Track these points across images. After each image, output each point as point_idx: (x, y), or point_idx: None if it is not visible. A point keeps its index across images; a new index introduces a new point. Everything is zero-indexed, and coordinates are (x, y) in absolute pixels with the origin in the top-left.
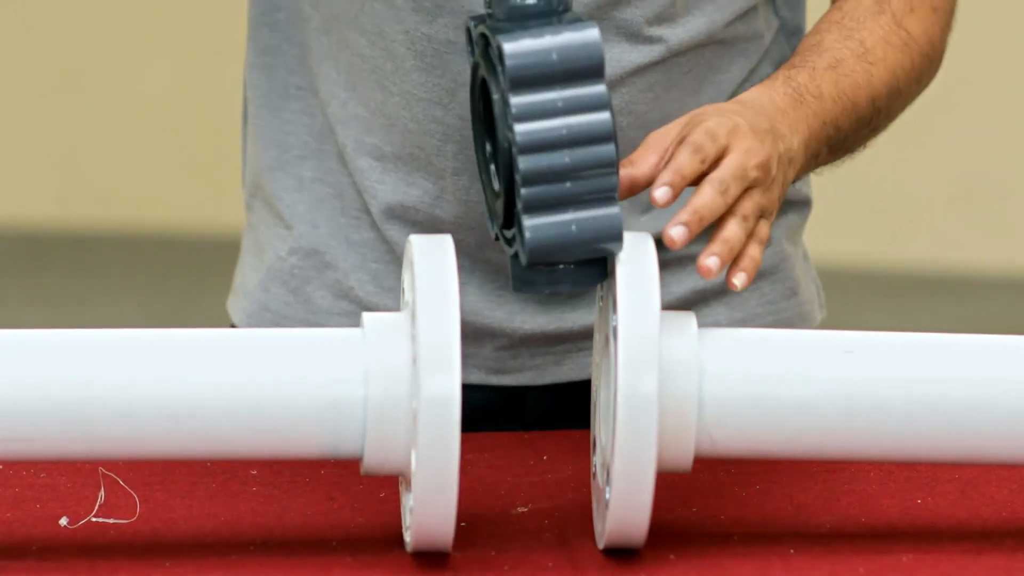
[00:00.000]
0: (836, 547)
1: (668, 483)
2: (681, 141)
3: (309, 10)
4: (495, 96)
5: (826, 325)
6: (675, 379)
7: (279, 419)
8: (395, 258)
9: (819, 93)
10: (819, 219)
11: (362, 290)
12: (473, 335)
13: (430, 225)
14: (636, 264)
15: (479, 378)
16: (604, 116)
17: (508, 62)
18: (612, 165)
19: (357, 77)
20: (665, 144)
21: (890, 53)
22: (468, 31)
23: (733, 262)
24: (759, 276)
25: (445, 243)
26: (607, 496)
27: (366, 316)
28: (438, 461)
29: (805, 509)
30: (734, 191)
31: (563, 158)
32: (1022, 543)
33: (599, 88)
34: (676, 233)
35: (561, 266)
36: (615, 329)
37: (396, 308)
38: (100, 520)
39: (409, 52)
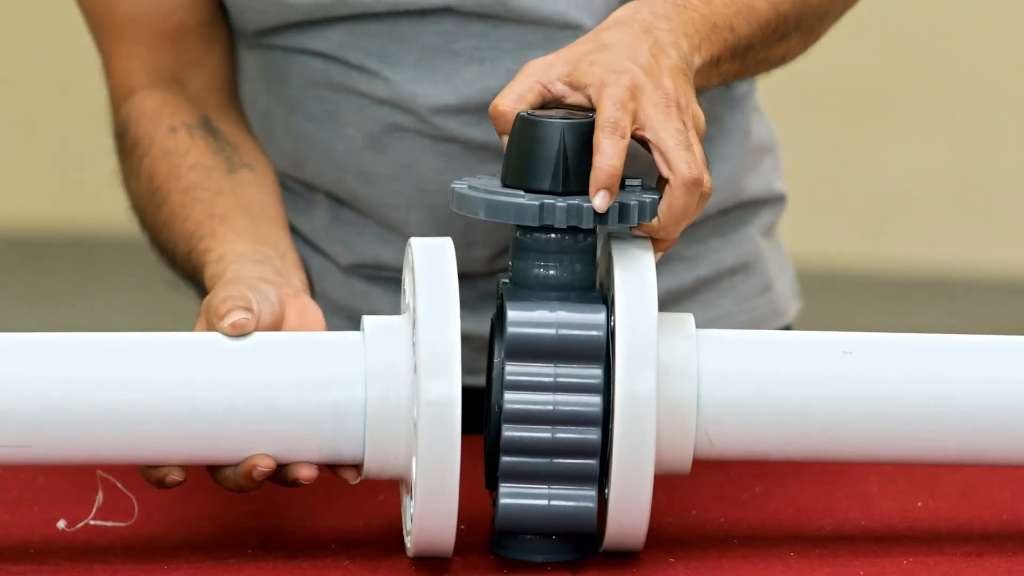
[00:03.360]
0: (836, 550)
1: (667, 486)
2: (559, 90)
3: (251, 96)
4: (495, 359)
5: (821, 326)
6: (673, 380)
7: (279, 423)
8: (364, 276)
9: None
10: (816, 219)
11: (335, 293)
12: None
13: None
14: (634, 266)
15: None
16: (594, 400)
17: (509, 328)
18: (593, 452)
19: (306, 158)
20: (549, 79)
21: None
22: (497, 284)
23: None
24: (732, 273)
25: (445, 246)
26: (606, 498)
27: (366, 319)
28: (439, 466)
29: (805, 512)
30: (682, 132)
31: (546, 435)
32: (1023, 546)
33: (594, 371)
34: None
35: (536, 536)
36: (613, 330)
37: (369, 309)
38: (98, 523)
39: (359, 132)
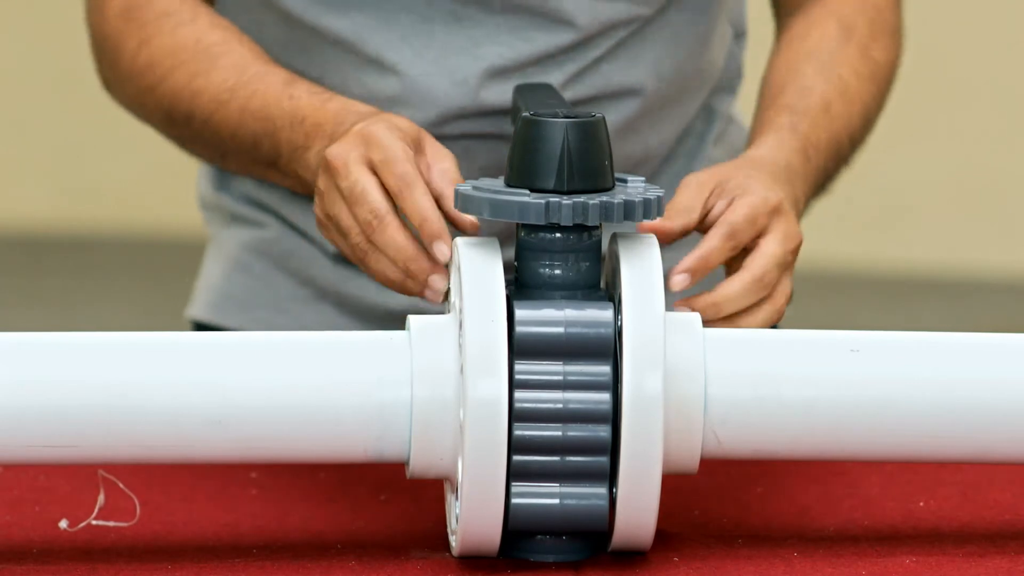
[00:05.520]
0: (839, 550)
1: (670, 486)
2: (712, 202)
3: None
4: None
5: (823, 326)
6: (681, 380)
7: (325, 423)
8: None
9: (819, 144)
10: (818, 220)
11: (323, 280)
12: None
13: None
14: (640, 265)
15: None
16: (603, 397)
17: (517, 328)
18: (604, 449)
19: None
20: (703, 195)
21: (863, 86)
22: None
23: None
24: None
25: (491, 246)
26: (614, 498)
27: (412, 319)
28: (486, 465)
29: (808, 512)
30: (775, 280)
31: (556, 432)
32: None
33: (603, 368)
34: (678, 281)
35: (547, 536)
36: (620, 330)
37: (357, 295)
38: (100, 523)
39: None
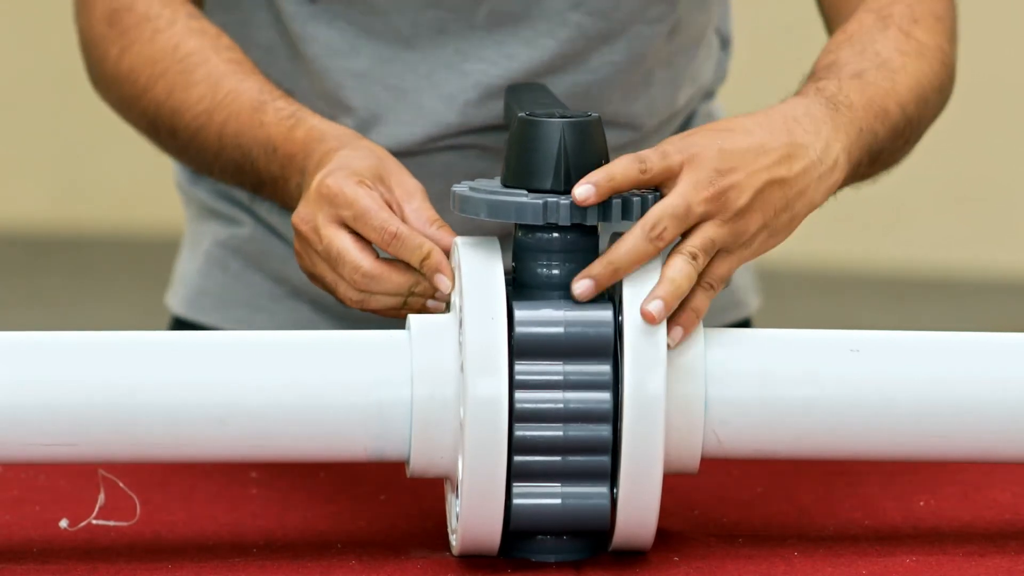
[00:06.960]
0: (839, 549)
1: (670, 486)
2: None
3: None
4: None
5: (825, 326)
6: (681, 379)
7: (326, 422)
8: None
9: (850, 102)
10: (818, 220)
11: (299, 279)
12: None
13: None
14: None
15: None
16: (604, 396)
17: (517, 328)
18: (605, 448)
19: None
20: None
21: (909, 61)
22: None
23: (673, 313)
24: None
25: (491, 245)
26: (615, 497)
27: (412, 319)
28: (486, 464)
29: (808, 512)
30: (670, 233)
31: (557, 432)
32: None
33: (603, 368)
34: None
35: (548, 536)
36: (620, 330)
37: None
38: (100, 523)
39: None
